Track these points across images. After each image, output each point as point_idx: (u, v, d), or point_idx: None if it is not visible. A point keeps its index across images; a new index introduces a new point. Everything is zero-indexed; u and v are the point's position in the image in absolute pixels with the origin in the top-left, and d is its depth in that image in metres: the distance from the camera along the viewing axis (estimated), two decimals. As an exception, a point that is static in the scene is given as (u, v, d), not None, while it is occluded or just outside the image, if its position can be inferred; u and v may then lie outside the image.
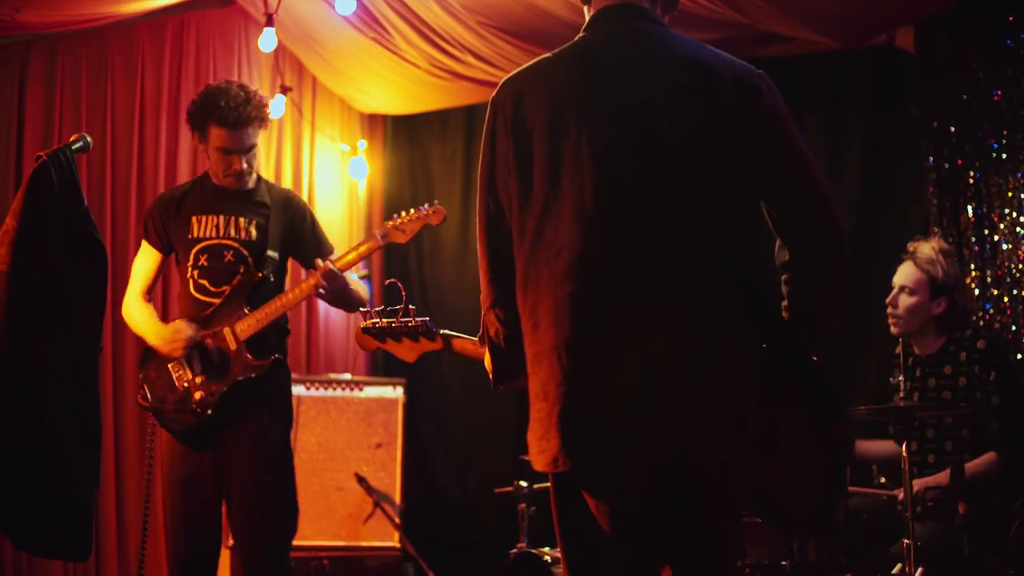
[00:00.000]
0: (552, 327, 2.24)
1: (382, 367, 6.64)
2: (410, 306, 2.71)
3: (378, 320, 2.73)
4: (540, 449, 2.27)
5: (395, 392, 5.99)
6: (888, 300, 4.16)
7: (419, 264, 6.85)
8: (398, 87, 6.53)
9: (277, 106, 5.91)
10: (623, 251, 2.22)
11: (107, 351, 5.43)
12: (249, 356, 3.85)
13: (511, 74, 2.42)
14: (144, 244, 4.08)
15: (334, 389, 5.92)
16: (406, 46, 5.93)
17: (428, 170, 7.04)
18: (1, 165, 5.47)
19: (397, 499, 5.85)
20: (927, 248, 4.11)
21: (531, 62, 2.41)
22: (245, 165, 3.95)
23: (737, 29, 5.17)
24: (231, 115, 3.86)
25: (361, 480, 5.77)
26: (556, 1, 5.15)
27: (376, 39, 5.93)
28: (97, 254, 3.29)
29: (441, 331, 2.68)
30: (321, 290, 3.86)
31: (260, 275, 3.92)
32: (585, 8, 2.47)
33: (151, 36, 5.90)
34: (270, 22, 5.46)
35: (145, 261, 4.07)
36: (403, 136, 7.13)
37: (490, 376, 2.53)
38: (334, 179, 6.74)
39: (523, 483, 4.73)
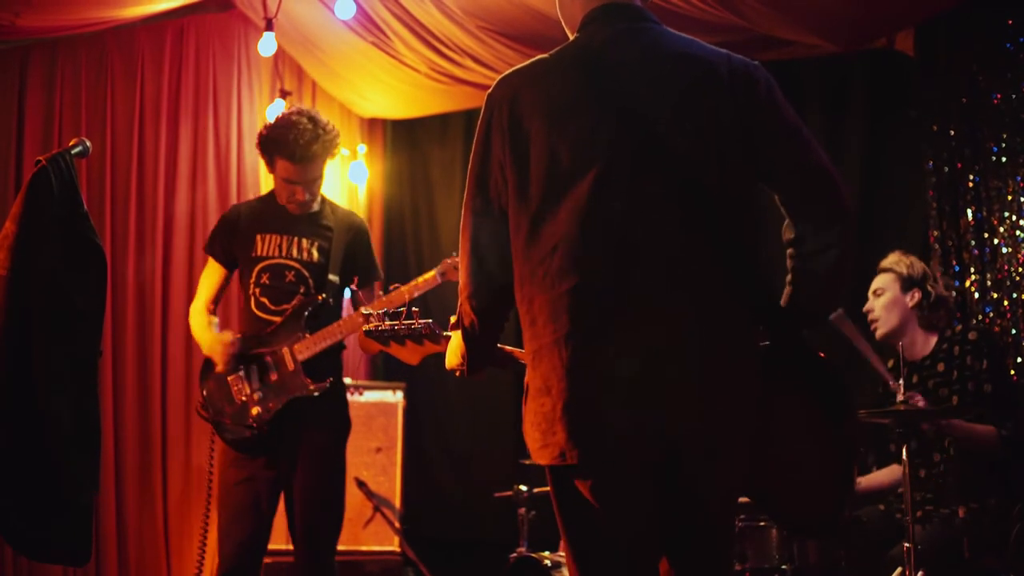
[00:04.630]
0: (550, 323, 2.26)
1: (382, 371, 6.64)
2: (413, 308, 2.71)
3: (380, 323, 2.73)
4: (545, 443, 2.28)
5: (395, 396, 5.99)
6: (864, 309, 4.23)
7: (419, 268, 6.84)
8: (398, 91, 6.54)
9: (276, 111, 5.91)
10: (620, 247, 2.24)
11: (107, 355, 5.43)
12: (305, 378, 3.97)
13: (507, 73, 2.44)
14: (210, 260, 4.20)
15: (334, 393, 5.91)
16: (406, 50, 5.93)
17: (428, 174, 7.05)
18: (1, 170, 5.47)
19: (397, 503, 5.85)
20: (890, 257, 4.26)
21: (527, 62, 2.43)
22: (308, 196, 4.06)
23: (736, 33, 5.18)
24: (297, 151, 3.96)
25: (361, 484, 5.76)
26: (555, 5, 5.15)
27: (375, 43, 5.93)
28: (96, 258, 3.30)
29: (445, 332, 2.69)
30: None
31: (321, 298, 4.03)
32: (560, 11, 2.50)
33: (151, 40, 5.90)
34: (269, 26, 5.46)
35: (210, 276, 4.19)
36: (403, 140, 7.14)
37: (448, 363, 2.55)
38: (334, 183, 6.74)
39: (523, 487, 4.72)
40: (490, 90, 2.42)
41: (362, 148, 6.89)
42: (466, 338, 2.48)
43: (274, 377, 4.00)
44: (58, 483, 3.14)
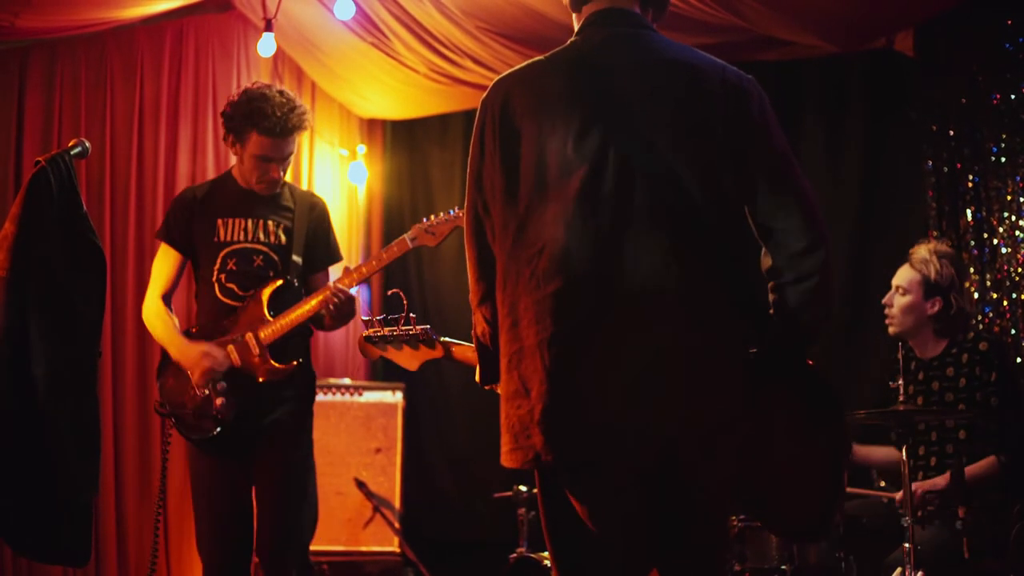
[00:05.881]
0: (533, 325, 2.25)
1: (381, 372, 6.64)
2: (411, 314, 2.72)
3: (379, 329, 2.74)
4: (517, 446, 2.27)
5: (395, 397, 5.99)
6: (884, 300, 4.17)
7: (419, 270, 6.84)
8: (397, 92, 6.53)
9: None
10: (607, 251, 2.23)
11: (106, 356, 5.43)
12: (273, 362, 3.78)
13: (502, 75, 2.44)
14: (164, 247, 3.95)
15: (334, 394, 5.92)
16: (405, 51, 5.93)
17: (427, 175, 7.05)
18: (0, 170, 5.47)
19: (397, 504, 5.85)
20: (923, 250, 4.13)
21: (522, 64, 2.44)
22: (282, 173, 3.88)
23: (736, 33, 5.18)
24: (277, 124, 3.76)
25: (361, 485, 5.77)
26: (554, 5, 5.15)
27: (375, 44, 5.93)
28: (96, 259, 3.29)
29: (441, 339, 2.69)
30: (331, 307, 3.76)
31: (284, 280, 3.85)
32: (574, 15, 2.49)
33: (150, 41, 5.90)
34: (269, 27, 5.47)
35: (166, 264, 3.94)
36: (402, 141, 7.14)
37: (477, 377, 2.55)
38: (333, 184, 6.74)
39: (522, 488, 4.72)
40: (485, 93, 2.43)
41: (362, 148, 6.89)
42: (479, 347, 2.47)
43: (239, 365, 3.78)
44: (58, 484, 3.13)
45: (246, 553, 3.77)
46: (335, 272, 4.01)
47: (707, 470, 2.26)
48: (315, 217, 3.99)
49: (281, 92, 3.83)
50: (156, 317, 3.89)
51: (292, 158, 3.91)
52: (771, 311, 2.36)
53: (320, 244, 3.99)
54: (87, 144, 3.35)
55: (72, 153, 3.27)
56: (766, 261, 2.35)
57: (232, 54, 6.13)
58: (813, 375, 2.41)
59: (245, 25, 6.14)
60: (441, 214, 3.93)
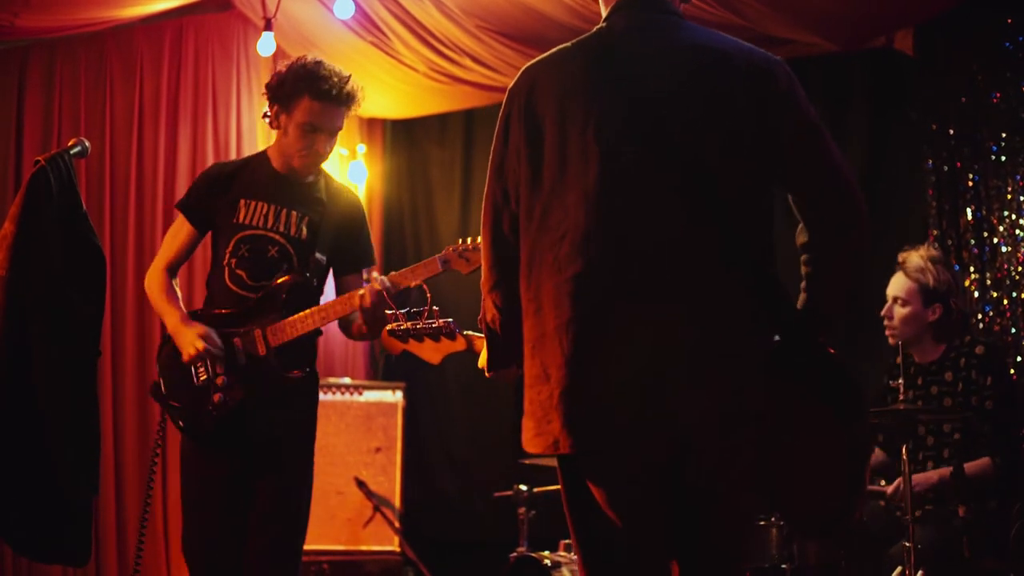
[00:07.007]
0: (554, 309, 2.26)
1: (381, 372, 6.64)
2: (434, 308, 2.73)
3: (402, 322, 2.76)
4: (539, 431, 2.27)
5: (395, 396, 5.99)
6: (883, 312, 4.15)
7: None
8: (397, 91, 6.53)
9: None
10: (626, 238, 2.23)
11: (106, 355, 5.43)
12: (278, 366, 3.45)
13: (529, 63, 2.46)
14: (181, 218, 3.65)
15: (334, 393, 5.92)
16: (405, 50, 5.93)
17: (427, 174, 7.05)
18: (0, 170, 5.47)
19: (397, 503, 5.86)
20: (916, 257, 4.10)
21: (550, 51, 2.44)
22: (327, 149, 3.54)
23: (736, 32, 5.10)
24: (333, 88, 3.46)
25: (361, 484, 5.76)
26: (554, 4, 5.16)
27: (375, 43, 5.93)
28: (95, 259, 3.30)
29: (464, 332, 2.70)
30: (366, 312, 3.37)
31: (303, 278, 3.51)
32: (601, 1, 2.50)
33: (150, 41, 5.90)
34: (269, 26, 5.47)
35: (179, 235, 3.64)
36: (402, 140, 7.14)
37: (484, 365, 2.55)
38: (333, 183, 6.74)
39: (523, 487, 4.72)
40: (512, 82, 2.44)
41: (361, 148, 6.89)
42: (488, 334, 2.48)
43: (242, 361, 3.46)
44: (57, 484, 3.14)
45: (236, 560, 3.49)
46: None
47: (722, 464, 2.25)
48: (348, 215, 3.66)
49: (335, 67, 3.53)
50: (156, 286, 3.62)
51: (337, 139, 3.60)
52: (802, 286, 2.35)
53: (350, 244, 3.66)
54: (87, 144, 3.35)
55: (72, 153, 3.28)
56: (801, 236, 2.34)
57: (232, 54, 6.13)
58: (836, 367, 2.38)
59: (245, 24, 6.14)
60: (479, 239, 3.54)
